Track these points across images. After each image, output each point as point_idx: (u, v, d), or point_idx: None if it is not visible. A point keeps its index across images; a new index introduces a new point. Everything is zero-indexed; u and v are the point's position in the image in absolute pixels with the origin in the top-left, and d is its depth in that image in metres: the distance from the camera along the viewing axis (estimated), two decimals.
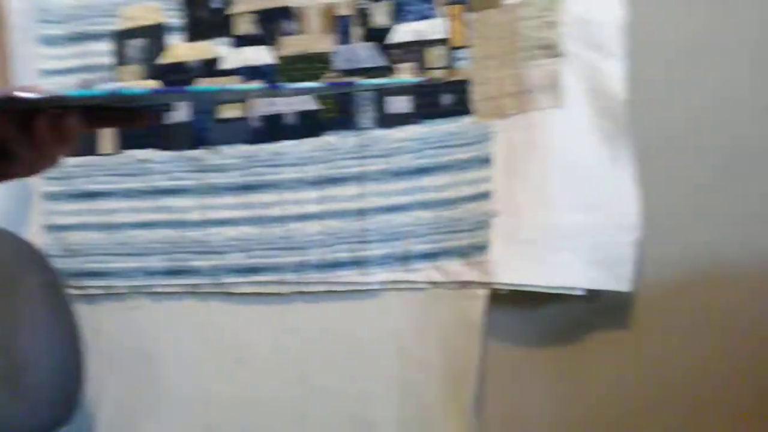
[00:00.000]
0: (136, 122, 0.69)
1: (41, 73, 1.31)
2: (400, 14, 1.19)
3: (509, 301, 1.13)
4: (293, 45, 1.22)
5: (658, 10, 1.13)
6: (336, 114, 1.21)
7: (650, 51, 1.13)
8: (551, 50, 1.11)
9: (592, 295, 1.11)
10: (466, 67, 1.17)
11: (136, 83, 1.27)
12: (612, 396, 1.15)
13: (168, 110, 1.26)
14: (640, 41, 1.11)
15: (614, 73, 1.09)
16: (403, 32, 1.18)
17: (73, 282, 1.31)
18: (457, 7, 1.16)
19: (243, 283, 1.26)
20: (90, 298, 1.31)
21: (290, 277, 1.23)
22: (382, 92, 1.18)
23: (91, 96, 0.63)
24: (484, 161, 1.15)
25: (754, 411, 1.11)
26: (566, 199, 1.10)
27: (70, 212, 1.31)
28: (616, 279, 1.09)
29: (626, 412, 1.14)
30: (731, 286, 1.11)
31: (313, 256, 1.22)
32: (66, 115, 0.63)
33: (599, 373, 1.15)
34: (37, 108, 0.60)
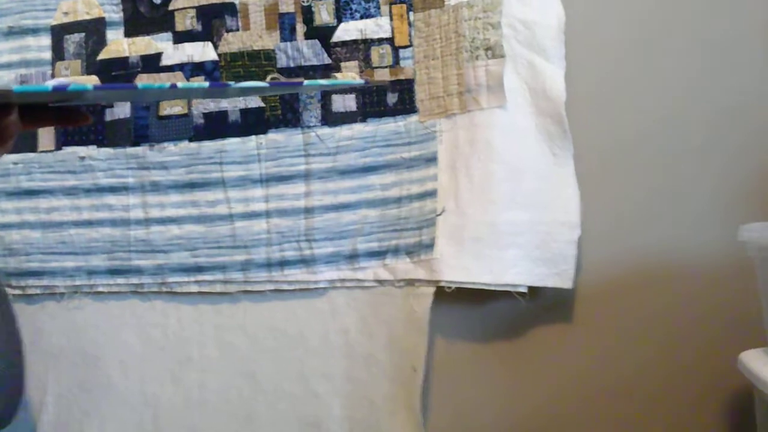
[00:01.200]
0: (74, 121, 0.67)
1: None
2: (344, 12, 1.18)
3: (455, 297, 1.14)
4: (236, 41, 1.21)
5: (599, 12, 1.16)
6: (281, 112, 1.20)
7: (591, 52, 1.15)
8: (493, 51, 1.12)
9: (536, 292, 1.13)
10: (410, 66, 1.17)
11: (76, 79, 1.24)
12: (556, 391, 1.17)
13: (109, 106, 1.23)
14: (580, 42, 1.14)
15: (554, 74, 1.11)
16: (348, 30, 1.18)
17: (12, 281, 1.28)
18: (400, 7, 1.17)
19: (188, 283, 1.24)
20: (30, 298, 1.28)
21: (236, 276, 1.22)
22: (328, 91, 1.17)
23: (38, 92, 0.62)
24: (430, 160, 1.16)
25: (694, 405, 1.14)
26: (509, 198, 1.11)
27: (8, 210, 1.28)
28: (558, 276, 1.11)
29: (571, 407, 1.16)
30: (670, 284, 1.14)
31: (260, 254, 1.21)
32: (5, 113, 0.61)
33: (544, 369, 1.17)
34: None
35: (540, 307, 1.15)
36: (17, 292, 1.28)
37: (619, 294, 1.15)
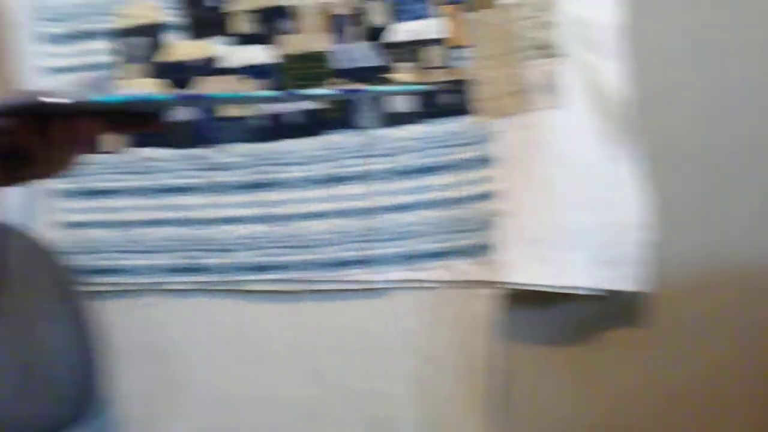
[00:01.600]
0: (150, 127, 0.69)
1: (43, 70, 1.30)
2: (397, 13, 1.16)
3: (524, 299, 1.13)
4: (291, 44, 1.20)
5: (660, 8, 1.10)
6: (340, 113, 1.19)
7: (657, 49, 1.10)
8: (548, 50, 1.09)
9: (605, 294, 1.10)
10: (465, 66, 1.14)
11: (138, 82, 1.26)
12: (628, 396, 1.14)
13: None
14: (645, 40, 1.09)
15: (612, 72, 1.07)
16: (401, 32, 1.16)
17: (86, 279, 1.32)
18: (453, 7, 1.14)
19: (253, 281, 1.26)
20: (104, 295, 1.32)
21: (300, 275, 1.23)
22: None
23: (114, 102, 0.63)
24: (487, 161, 1.14)
25: None
26: (571, 198, 1.09)
27: (81, 209, 1.32)
28: (625, 278, 1.08)
29: (643, 412, 1.14)
30: (749, 285, 1.10)
31: (322, 254, 1.21)
32: (83, 120, 0.63)
33: (615, 373, 1.15)
34: (55, 112, 0.61)
35: (611, 309, 1.12)
36: (91, 289, 1.32)
37: (695, 296, 1.11)
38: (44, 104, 0.59)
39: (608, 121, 1.08)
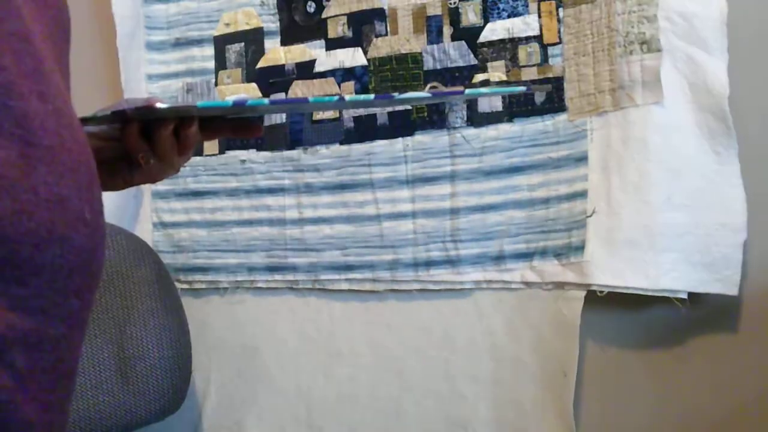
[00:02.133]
0: (249, 132, 0.71)
1: (148, 77, 1.37)
2: (491, 12, 1.17)
3: (608, 302, 1.10)
4: (384, 46, 1.23)
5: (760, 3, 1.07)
6: (427, 114, 1.21)
7: (758, 43, 1.06)
8: (649, 45, 1.06)
9: (697, 298, 1.06)
10: (559, 63, 1.14)
11: (238, 87, 1.31)
12: (713, 403, 1.09)
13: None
14: (746, 34, 1.05)
15: (716, 68, 1.03)
16: (495, 30, 1.16)
17: (180, 276, 1.37)
18: (549, 4, 1.13)
19: (339, 280, 1.28)
20: (196, 292, 1.37)
21: (384, 275, 1.24)
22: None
23: (219, 106, 0.65)
24: (579, 159, 1.12)
25: None
26: (666, 199, 1.05)
27: (177, 210, 1.37)
28: (721, 282, 1.04)
29: (726, 421, 1.09)
30: None
31: (406, 254, 1.22)
32: (187, 125, 0.64)
33: (701, 380, 1.10)
34: (162, 117, 0.63)
35: (700, 314, 1.08)
36: (185, 286, 1.36)
37: None
38: (152, 110, 0.60)
39: (710, 117, 1.04)
